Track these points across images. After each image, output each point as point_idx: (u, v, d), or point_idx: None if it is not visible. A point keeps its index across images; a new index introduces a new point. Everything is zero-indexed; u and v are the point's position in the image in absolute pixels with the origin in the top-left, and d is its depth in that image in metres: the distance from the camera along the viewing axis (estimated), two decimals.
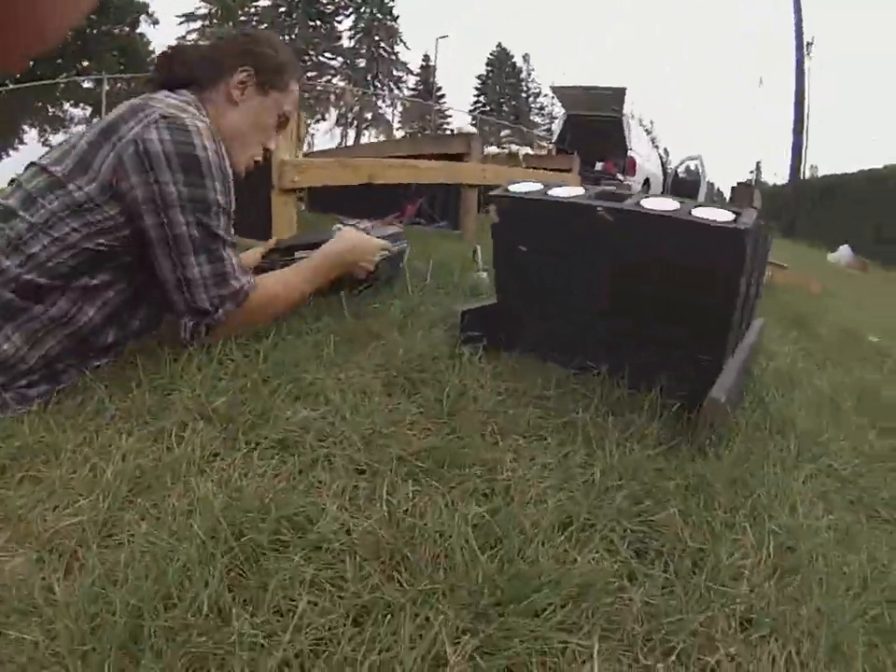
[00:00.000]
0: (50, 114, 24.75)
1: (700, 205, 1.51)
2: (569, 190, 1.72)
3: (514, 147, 7.61)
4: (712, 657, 0.90)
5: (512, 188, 1.79)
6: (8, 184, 1.67)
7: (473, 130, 8.61)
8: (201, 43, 2.36)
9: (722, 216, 1.46)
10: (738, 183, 15.07)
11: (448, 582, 0.95)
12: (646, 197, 1.60)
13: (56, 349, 1.52)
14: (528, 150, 7.60)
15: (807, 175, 26.35)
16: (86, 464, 1.20)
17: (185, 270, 1.57)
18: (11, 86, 18.21)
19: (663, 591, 1.01)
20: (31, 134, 24.70)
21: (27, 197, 1.49)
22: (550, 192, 1.72)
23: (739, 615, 0.97)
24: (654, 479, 1.28)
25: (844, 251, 12.92)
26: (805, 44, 19.23)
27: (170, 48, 1.85)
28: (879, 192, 16.98)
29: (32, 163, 1.59)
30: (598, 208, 1.55)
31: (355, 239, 2.02)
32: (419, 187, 5.35)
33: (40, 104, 23.10)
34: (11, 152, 23.53)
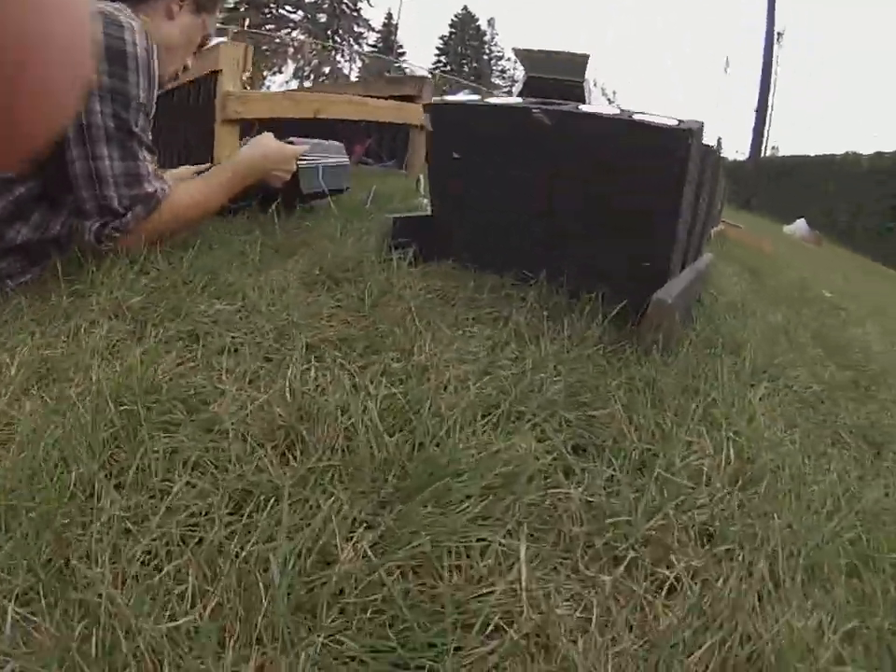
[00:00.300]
0: None
1: (641, 112, 1.42)
2: (508, 100, 1.64)
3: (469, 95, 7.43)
4: (671, 571, 0.75)
5: (449, 97, 1.72)
6: None
7: (425, 74, 8.36)
8: None
9: (666, 120, 1.36)
10: None
11: (346, 464, 0.81)
12: (587, 102, 1.53)
13: None
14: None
15: (769, 154, 26.42)
16: None
17: (96, 162, 1.47)
18: None
19: (606, 491, 0.86)
20: None
21: None
22: (487, 100, 1.63)
23: (699, 525, 0.83)
24: (595, 376, 1.14)
25: (800, 224, 12.88)
26: (776, 33, 19.18)
27: None
28: (832, 177, 17.18)
29: None
30: (534, 111, 1.46)
31: (272, 146, 1.93)
32: (368, 127, 5.23)
33: None
34: None
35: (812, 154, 20.58)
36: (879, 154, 16.15)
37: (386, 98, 4.81)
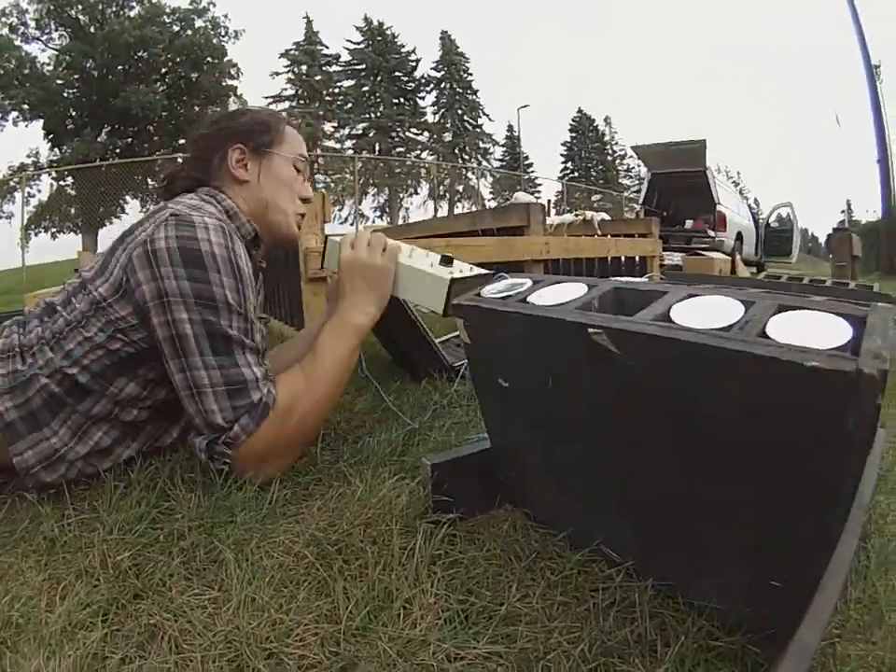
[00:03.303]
0: (150, 186, 26.25)
1: (783, 306, 0.82)
2: (567, 290, 1.07)
3: (589, 214, 6.96)
4: None
5: (488, 290, 1.19)
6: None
7: (531, 199, 7.96)
8: (186, 156, 2.17)
9: (826, 332, 0.75)
10: (834, 229, 13.83)
11: None
12: (685, 296, 0.93)
13: (106, 440, 1.49)
14: (604, 216, 6.97)
15: None
16: None
17: (192, 374, 1.39)
18: (116, 161, 23.68)
19: None
20: (133, 204, 27.07)
21: (66, 296, 1.51)
22: (533, 297, 1.09)
23: None
24: None
25: None
26: (873, 68, 17.73)
27: (164, 176, 1.75)
28: None
29: (76, 269, 1.60)
30: (591, 329, 0.90)
31: (361, 257, 1.62)
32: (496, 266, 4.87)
33: (139, 178, 24.35)
34: (115, 220, 26.82)
35: None
36: None
37: (495, 231, 4.50)
